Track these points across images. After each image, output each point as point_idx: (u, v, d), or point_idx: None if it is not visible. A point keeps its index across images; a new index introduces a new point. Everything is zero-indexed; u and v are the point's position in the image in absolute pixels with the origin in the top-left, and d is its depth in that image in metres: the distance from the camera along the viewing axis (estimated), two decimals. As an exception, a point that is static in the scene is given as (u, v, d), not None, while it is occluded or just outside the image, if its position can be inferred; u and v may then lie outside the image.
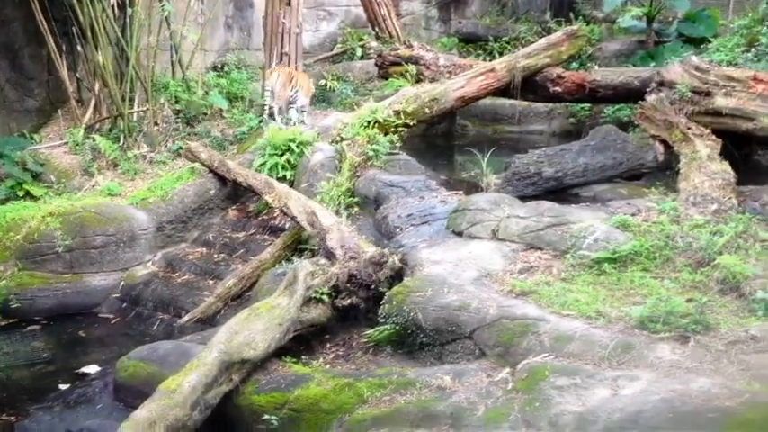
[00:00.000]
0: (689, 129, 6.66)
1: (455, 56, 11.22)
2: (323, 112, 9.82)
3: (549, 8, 13.27)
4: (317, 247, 6.51)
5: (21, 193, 8.45)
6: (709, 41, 9.41)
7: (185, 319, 6.87)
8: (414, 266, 5.47)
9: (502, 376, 4.29)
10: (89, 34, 9.13)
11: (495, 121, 10.81)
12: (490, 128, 10.76)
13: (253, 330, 4.98)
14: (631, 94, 8.78)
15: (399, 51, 10.55)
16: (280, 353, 5.07)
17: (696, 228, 5.34)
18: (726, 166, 6.19)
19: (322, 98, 10.32)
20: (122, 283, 7.63)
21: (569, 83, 9.48)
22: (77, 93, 9.80)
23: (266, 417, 4.51)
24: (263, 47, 10.22)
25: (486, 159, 7.12)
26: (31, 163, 8.73)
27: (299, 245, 7.17)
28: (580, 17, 12.49)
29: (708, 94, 6.77)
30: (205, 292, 7.18)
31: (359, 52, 12.35)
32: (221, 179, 8.39)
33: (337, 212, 6.95)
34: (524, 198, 6.39)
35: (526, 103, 10.29)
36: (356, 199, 7.31)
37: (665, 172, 6.87)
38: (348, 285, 5.58)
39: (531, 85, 9.51)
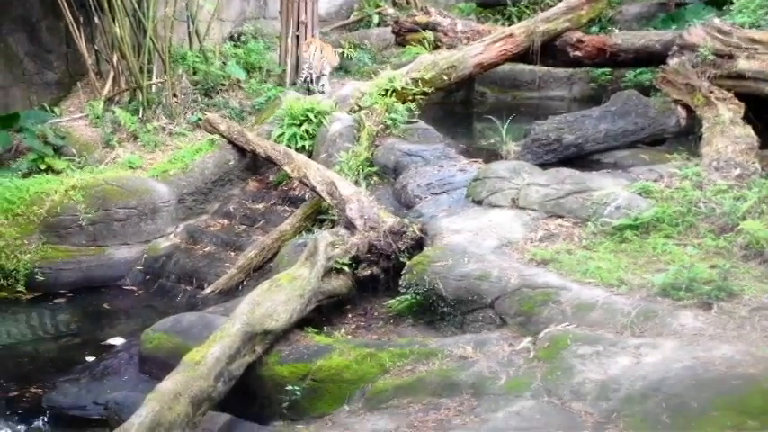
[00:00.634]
0: (711, 92, 6.56)
1: (473, 21, 11.08)
2: (340, 81, 9.77)
3: (568, -30, 13.02)
4: (336, 218, 6.52)
5: (42, 167, 8.51)
6: (732, 3, 9.22)
7: (208, 290, 6.93)
8: (434, 236, 5.46)
9: (523, 345, 4.29)
10: (106, 6, 9.11)
11: (515, 87, 10.71)
12: (509, 94, 10.66)
13: (275, 302, 5.00)
14: (653, 58, 8.66)
15: (416, 18, 10.44)
16: (302, 324, 5.10)
17: (719, 193, 5.29)
18: (749, 130, 6.10)
19: (339, 67, 10.25)
20: (145, 255, 7.70)
21: (589, 47, 9.35)
22: (96, 65, 9.82)
23: (289, 387, 4.56)
24: (280, 15, 10.15)
25: (505, 126, 7.07)
26: (52, 136, 8.78)
27: (318, 215, 7.19)
28: (600, -21, 12.26)
29: (730, 56, 6.66)
30: (227, 264, 7.22)
31: (375, 19, 12.24)
32: (240, 150, 8.40)
33: (356, 182, 6.95)
34: (544, 165, 6.35)
35: (546, 68, 10.17)
36: (375, 168, 7.30)
37: (687, 137, 6.80)
38: (368, 256, 5.59)
39: (550, 50, 9.38)
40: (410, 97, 8.23)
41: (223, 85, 9.85)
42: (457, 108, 10.20)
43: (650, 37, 9.21)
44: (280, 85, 9.84)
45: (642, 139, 7.07)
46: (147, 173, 8.32)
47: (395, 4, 12.45)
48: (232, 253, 7.48)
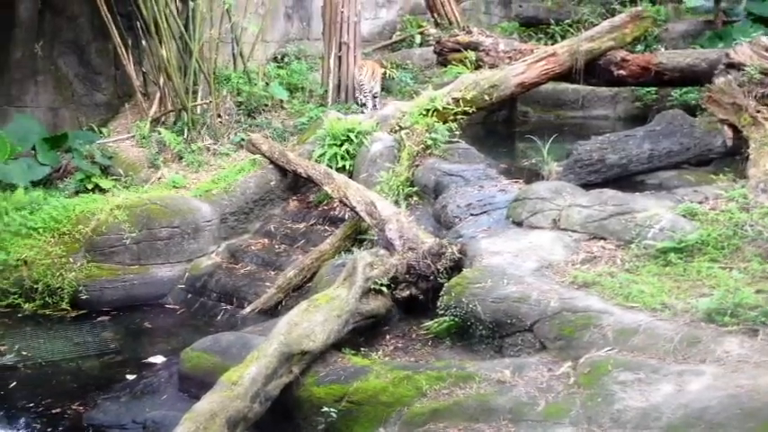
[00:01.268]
0: (758, 112, 6.41)
1: (515, 40, 11.03)
2: (382, 101, 9.80)
3: (613, -11, 12.93)
4: (376, 238, 6.50)
5: (90, 186, 8.68)
6: (781, 20, 9.05)
7: (248, 309, 6.97)
8: (473, 257, 5.41)
9: (563, 370, 4.21)
10: (153, 28, 9.29)
11: (558, 106, 10.61)
12: (552, 114, 10.57)
13: (312, 322, 5.00)
14: (699, 77, 8.50)
15: (458, 37, 10.44)
16: (339, 344, 5.08)
17: (766, 216, 5.15)
18: (798, 150, 5.94)
19: (381, 87, 10.27)
20: (187, 274, 7.77)
21: (634, 66, 9.23)
22: (143, 86, 10.00)
23: (325, 409, 4.54)
24: (323, 36, 10.24)
25: (547, 146, 7.00)
26: (100, 156, 8.96)
27: (358, 235, 7.18)
28: (645, -3, 12.14)
29: (779, 75, 6.50)
30: (267, 283, 7.26)
31: (418, 39, 12.26)
32: (282, 170, 8.46)
33: (396, 202, 6.93)
34: (587, 186, 6.25)
35: (589, 87, 10.06)
36: (415, 188, 7.28)
37: (733, 157, 6.64)
38: (407, 276, 5.56)
39: (594, 69, 9.28)
40: (451, 117, 8.21)
41: (266, 105, 9.95)
42: (498, 128, 10.14)
43: (696, 55, 9.06)
44: (321, 105, 9.91)
45: (687, 160, 6.94)
46: (190, 192, 8.42)
47: (437, 25, 12.46)
48: (272, 272, 7.51)
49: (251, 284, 7.40)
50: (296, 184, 8.55)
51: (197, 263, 7.87)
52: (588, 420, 3.77)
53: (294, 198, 8.59)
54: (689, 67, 8.91)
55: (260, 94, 9.93)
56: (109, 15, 9.42)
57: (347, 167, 8.14)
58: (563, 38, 11.37)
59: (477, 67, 9.74)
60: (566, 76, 9.27)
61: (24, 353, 6.50)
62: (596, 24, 10.23)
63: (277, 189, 8.51)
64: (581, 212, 5.59)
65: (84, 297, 7.40)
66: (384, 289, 5.50)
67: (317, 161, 8.24)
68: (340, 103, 9.81)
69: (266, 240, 8.12)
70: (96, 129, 9.80)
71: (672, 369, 3.89)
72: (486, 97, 8.61)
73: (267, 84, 10.17)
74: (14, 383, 5.93)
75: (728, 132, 6.73)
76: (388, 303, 5.53)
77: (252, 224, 8.37)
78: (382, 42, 12.62)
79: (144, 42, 9.65)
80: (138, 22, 9.51)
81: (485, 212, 6.19)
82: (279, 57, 11.38)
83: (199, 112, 9.61)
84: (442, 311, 5.02)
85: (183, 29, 9.42)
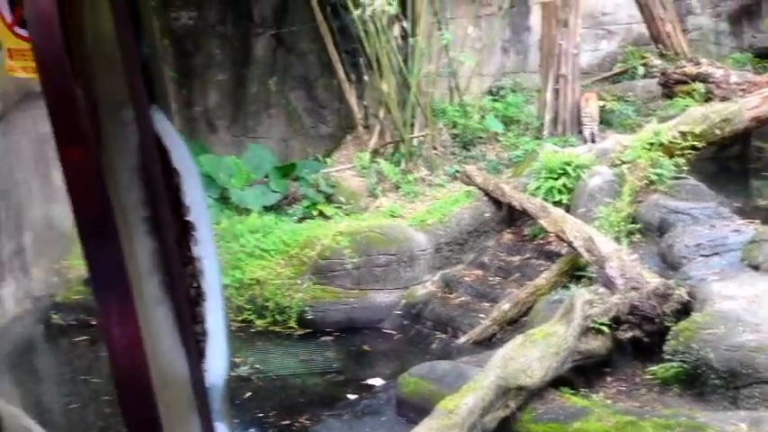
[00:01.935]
0: None
1: (749, 72, 10.37)
2: (601, 134, 9.57)
3: None
4: (594, 275, 6.33)
5: (315, 213, 9.18)
6: None
7: (462, 340, 7.03)
8: (703, 301, 5.13)
9: (808, 429, 3.87)
10: (375, 64, 9.72)
11: (797, 142, 9.81)
12: (791, 150, 9.78)
13: (529, 357, 4.96)
14: None
15: (685, 69, 9.99)
16: (556, 383, 4.99)
17: None
18: None
19: (600, 119, 10.05)
20: (403, 300, 7.98)
21: None
22: (364, 119, 10.46)
23: (544, 447, 4.47)
24: (539, 69, 10.21)
25: (786, 185, 6.50)
26: (324, 185, 9.46)
27: (575, 271, 7.03)
28: None
29: None
30: (481, 315, 7.29)
31: (641, 71, 11.86)
32: (496, 202, 8.49)
33: (617, 239, 6.72)
34: (834, 229, 5.73)
35: (833, 121, 9.20)
36: (637, 226, 7.02)
37: None
38: (629, 317, 5.36)
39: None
40: (677, 152, 7.85)
41: (481, 137, 10.05)
42: (731, 164, 9.54)
43: None
44: (537, 138, 9.85)
45: None
46: (406, 222, 8.66)
47: (662, 56, 11.98)
48: (486, 304, 7.52)
49: (465, 315, 7.46)
50: (510, 216, 8.54)
51: (413, 290, 8.06)
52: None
53: (509, 231, 8.57)
54: None
55: (475, 126, 10.05)
56: (335, 52, 9.97)
57: (563, 201, 8.01)
58: (801, 69, 10.53)
59: (707, 100, 9.26)
60: (806, 109, 8.56)
61: (257, 366, 6.97)
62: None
63: (491, 221, 8.54)
64: (828, 258, 5.13)
65: (309, 317, 7.81)
66: (604, 329, 5.34)
67: (532, 194, 8.19)
68: (556, 136, 9.71)
69: (480, 272, 8.16)
70: (321, 159, 10.35)
71: None
72: (717, 132, 8.15)
73: (482, 116, 10.28)
74: (249, 394, 6.39)
75: None
76: (609, 344, 5.36)
77: (466, 255, 8.45)
78: (602, 74, 12.33)
79: (366, 78, 10.11)
80: (360, 59, 9.99)
81: (716, 254, 5.85)
82: (495, 90, 11.47)
83: (416, 143, 9.89)
84: (669, 356, 4.80)
85: (402, 64, 9.77)
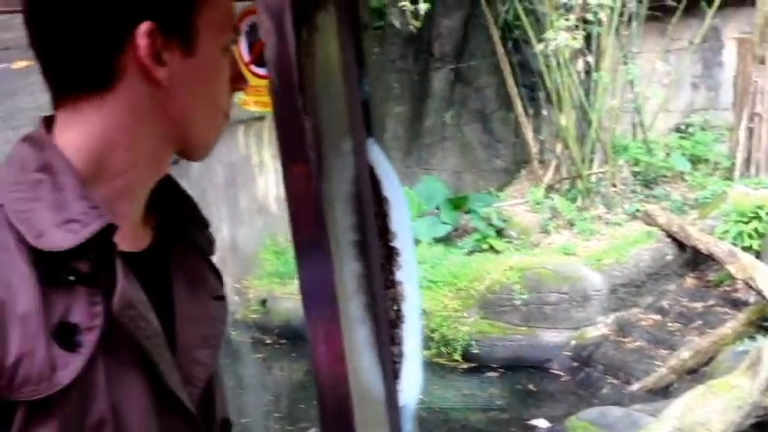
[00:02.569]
0: None
1: None
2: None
3: None
4: (788, 327, 5.88)
5: (485, 247, 9.14)
6: None
7: (636, 386, 6.74)
8: None
9: None
10: (554, 98, 9.60)
11: None
12: None
13: (709, 409, 4.69)
14: None
15: None
16: (740, 439, 4.67)
17: None
18: None
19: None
20: (573, 341, 7.74)
21: None
22: (540, 154, 10.34)
23: None
24: (732, 107, 9.69)
25: None
26: (496, 219, 9.42)
27: (763, 322, 6.57)
28: None
29: None
30: (657, 362, 6.95)
31: None
32: (680, 245, 8.09)
33: (816, 290, 6.21)
34: None
35: None
36: (839, 277, 6.45)
37: None
38: (827, 375, 4.92)
39: None
40: None
41: (665, 176, 9.65)
42: None
43: None
44: (727, 178, 9.33)
45: None
46: (580, 260, 8.44)
47: None
48: (663, 351, 7.18)
49: (640, 361, 7.14)
50: (694, 260, 8.10)
51: (584, 331, 7.81)
52: None
53: (691, 275, 8.14)
54: None
55: (659, 164, 9.67)
56: (514, 86, 9.96)
57: (754, 247, 7.51)
58: None
59: None
60: None
61: (420, 396, 6.99)
62: None
63: (673, 264, 8.15)
64: None
65: (474, 351, 7.75)
66: (798, 386, 4.93)
67: (719, 238, 7.73)
68: (748, 178, 9.14)
69: (658, 317, 7.80)
70: (494, 192, 10.33)
71: None
72: None
73: (668, 154, 9.87)
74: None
75: None
76: (801, 402, 4.95)
77: (643, 298, 8.10)
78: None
79: (544, 112, 10.01)
80: (540, 93, 9.91)
81: None
82: (682, 127, 10.98)
83: (594, 180, 9.64)
84: None
85: (583, 99, 9.58)
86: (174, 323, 1.20)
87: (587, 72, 9.64)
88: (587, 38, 9.25)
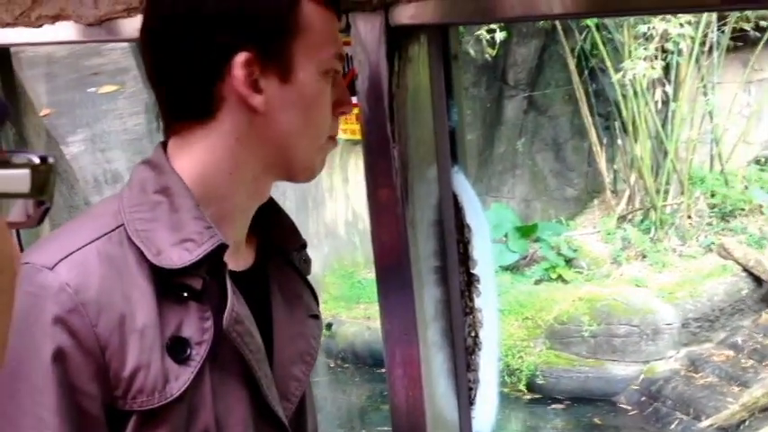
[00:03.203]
0: None
1: None
2: None
3: None
4: None
5: (553, 276, 9.04)
6: None
7: (706, 423, 6.55)
8: None
9: None
10: (630, 128, 9.47)
11: None
12: None
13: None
14: None
15: None
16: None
17: None
18: None
19: None
20: (642, 375, 7.56)
21: None
22: (613, 184, 10.19)
23: None
24: (815, 140, 9.39)
25: None
26: (565, 248, 9.31)
27: None
28: None
29: None
30: (729, 399, 6.76)
31: None
32: (756, 279, 7.87)
33: None
34: None
35: None
36: None
37: None
38: None
39: None
40: None
41: (743, 209, 9.39)
42: None
43: None
44: (807, 213, 9.04)
45: None
46: (652, 292, 8.27)
47: None
48: (736, 388, 6.98)
49: (711, 397, 6.94)
50: (771, 296, 7.87)
51: (653, 366, 7.63)
52: None
53: (767, 311, 7.90)
54: None
55: (737, 197, 9.42)
56: (588, 115, 9.86)
57: (837, 285, 7.25)
58: None
59: None
60: None
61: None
62: None
63: (749, 299, 7.92)
64: None
65: (539, 382, 7.65)
66: None
67: (799, 274, 7.50)
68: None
69: (731, 352, 7.57)
70: (564, 221, 10.21)
71: None
72: None
73: (746, 187, 9.62)
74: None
75: None
76: None
77: (716, 333, 7.88)
78: None
79: (619, 142, 9.88)
80: (614, 122, 9.79)
81: None
82: (762, 159, 10.68)
83: (668, 211, 9.45)
84: None
85: (660, 129, 9.43)
86: (273, 340, 1.24)
87: (665, 102, 9.47)
88: (666, 67, 9.12)
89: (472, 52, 9.51)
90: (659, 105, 9.45)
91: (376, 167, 1.08)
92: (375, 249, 1.10)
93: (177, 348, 1.10)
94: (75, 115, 5.67)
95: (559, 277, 9.02)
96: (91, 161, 5.10)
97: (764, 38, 9.23)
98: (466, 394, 1.25)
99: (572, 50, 9.62)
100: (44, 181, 0.63)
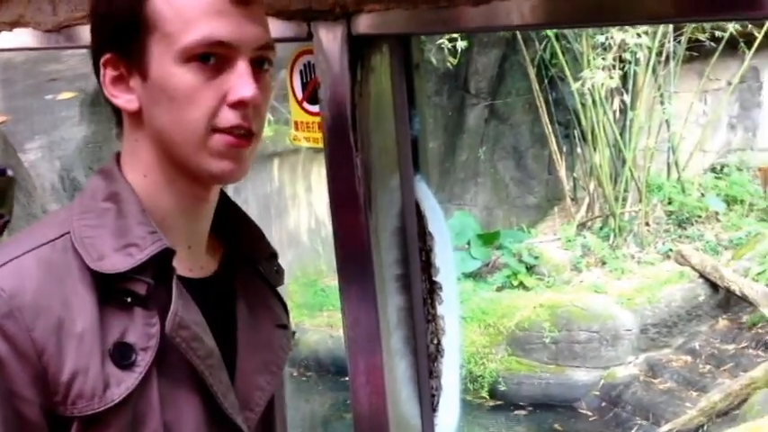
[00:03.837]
0: None
1: None
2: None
3: None
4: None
5: (515, 283, 9.11)
6: None
7: (665, 428, 6.64)
8: None
9: None
10: (589, 136, 9.60)
11: None
12: None
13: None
14: None
15: None
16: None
17: None
18: None
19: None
20: (602, 381, 7.66)
21: None
22: (573, 191, 10.32)
23: None
24: (769, 148, 9.62)
25: None
26: (526, 255, 9.39)
27: (800, 367, 6.46)
28: None
29: None
30: (687, 404, 6.86)
31: None
32: (713, 286, 8.01)
33: None
34: None
35: None
36: None
37: None
38: None
39: None
40: None
41: (699, 216, 9.57)
42: None
43: None
44: (763, 219, 9.24)
45: None
46: (611, 299, 8.38)
47: None
48: (694, 393, 7.09)
49: (670, 402, 7.05)
50: (727, 302, 8.00)
51: (613, 371, 7.73)
52: None
53: (724, 316, 8.04)
54: None
55: (693, 204, 9.60)
56: (549, 124, 9.98)
57: (790, 290, 7.42)
58: None
59: None
60: None
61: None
62: None
63: (705, 305, 8.06)
64: None
65: (502, 388, 7.70)
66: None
67: (754, 279, 7.66)
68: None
69: (689, 358, 7.70)
70: (525, 229, 10.31)
71: None
72: None
73: (702, 194, 9.81)
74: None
75: None
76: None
77: (674, 339, 8.01)
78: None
79: (578, 150, 10.00)
80: (574, 131, 9.92)
81: None
82: (717, 167, 10.90)
83: (626, 219, 9.60)
84: None
85: (618, 137, 9.58)
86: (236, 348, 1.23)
87: (623, 111, 9.63)
88: (624, 77, 9.27)
89: (434, 61, 9.56)
90: (617, 114, 9.61)
91: (339, 176, 1.08)
92: (338, 257, 1.10)
93: (121, 354, 1.09)
94: (32, 122, 5.59)
95: (521, 284, 9.09)
96: (48, 168, 5.03)
97: (720, 48, 9.43)
98: (429, 401, 1.26)
99: (532, 60, 9.73)
100: (3, 194, 0.63)
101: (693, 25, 8.99)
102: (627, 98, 9.37)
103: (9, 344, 1.05)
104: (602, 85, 8.87)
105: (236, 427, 1.20)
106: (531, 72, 9.75)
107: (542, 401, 7.61)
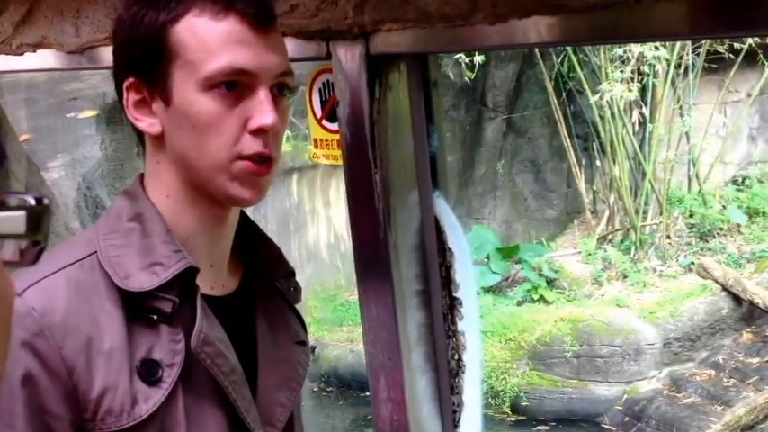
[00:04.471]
0: None
1: None
2: None
3: None
4: None
5: (535, 297, 9.07)
6: None
7: (691, 443, 6.59)
8: None
9: None
10: (608, 149, 9.57)
11: None
12: None
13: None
14: None
15: None
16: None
17: None
18: None
19: None
20: (625, 395, 7.58)
21: None
22: (592, 204, 10.27)
23: None
24: (790, 159, 9.52)
25: None
26: (547, 269, 9.35)
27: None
28: None
29: None
30: (711, 418, 6.79)
31: None
32: (736, 299, 7.93)
33: None
34: None
35: None
36: None
37: None
38: None
39: None
40: None
41: (721, 229, 9.49)
42: None
43: None
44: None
45: None
46: (633, 312, 8.32)
47: None
48: (718, 407, 7.01)
49: (693, 416, 6.97)
50: (751, 314, 7.92)
51: (636, 386, 7.66)
52: None
53: (748, 330, 7.95)
54: None
55: (715, 216, 9.52)
56: (567, 137, 9.95)
57: (814, 303, 7.33)
58: None
59: None
60: None
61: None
62: None
63: (729, 318, 7.98)
64: None
65: (524, 403, 7.65)
66: None
67: (777, 292, 7.58)
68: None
69: (713, 372, 7.61)
70: (545, 242, 10.26)
71: None
72: None
73: (724, 207, 9.72)
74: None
75: None
76: None
77: (698, 353, 7.92)
78: None
79: (598, 163, 9.97)
80: (593, 143, 9.89)
81: None
82: (739, 179, 10.81)
83: (647, 232, 9.53)
84: None
85: (637, 150, 9.54)
86: (257, 365, 1.25)
87: (642, 123, 9.59)
88: (642, 89, 9.24)
89: (451, 75, 9.58)
90: (636, 127, 9.57)
91: (358, 193, 1.09)
92: (358, 273, 1.11)
93: (148, 370, 1.12)
94: (54, 140, 5.66)
95: (541, 298, 9.04)
96: (71, 186, 5.08)
97: (739, 60, 9.37)
98: (450, 417, 1.26)
99: (550, 73, 9.72)
100: (39, 221, 0.64)
101: (712, 37, 8.95)
102: (646, 111, 9.33)
103: (40, 361, 1.08)
104: (621, 97, 8.84)
105: None
106: (549, 85, 9.74)
107: (565, 416, 7.55)
